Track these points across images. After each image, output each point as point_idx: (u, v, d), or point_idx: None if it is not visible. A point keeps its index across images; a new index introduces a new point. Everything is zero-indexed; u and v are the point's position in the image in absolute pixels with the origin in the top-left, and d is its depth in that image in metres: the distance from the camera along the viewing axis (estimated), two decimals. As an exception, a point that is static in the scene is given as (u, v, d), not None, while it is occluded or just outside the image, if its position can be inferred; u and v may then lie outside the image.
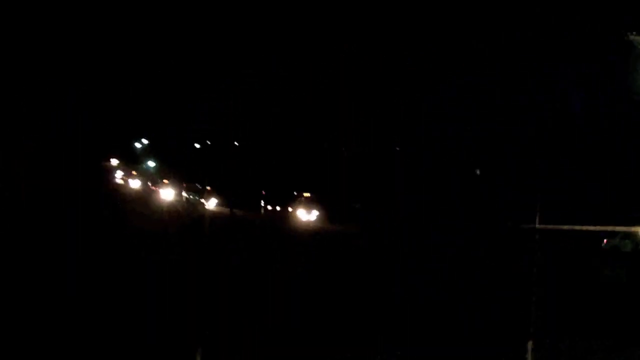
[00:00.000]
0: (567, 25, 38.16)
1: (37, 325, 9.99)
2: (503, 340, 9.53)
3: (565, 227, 9.30)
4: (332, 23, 54.74)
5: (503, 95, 43.85)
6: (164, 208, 51.95)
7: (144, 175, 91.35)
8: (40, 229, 24.53)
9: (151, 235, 25.23)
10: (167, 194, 69.27)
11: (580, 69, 36.73)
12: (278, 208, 61.09)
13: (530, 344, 8.00)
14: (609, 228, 11.18)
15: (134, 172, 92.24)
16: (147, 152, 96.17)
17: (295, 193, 56.82)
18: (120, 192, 66.27)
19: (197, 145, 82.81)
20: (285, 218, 54.08)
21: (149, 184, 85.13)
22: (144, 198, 64.14)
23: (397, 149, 51.37)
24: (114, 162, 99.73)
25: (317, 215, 52.01)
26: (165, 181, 75.88)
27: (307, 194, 55.56)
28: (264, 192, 63.74)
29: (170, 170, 77.69)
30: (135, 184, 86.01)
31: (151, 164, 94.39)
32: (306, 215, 52.18)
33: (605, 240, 26.89)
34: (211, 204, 63.06)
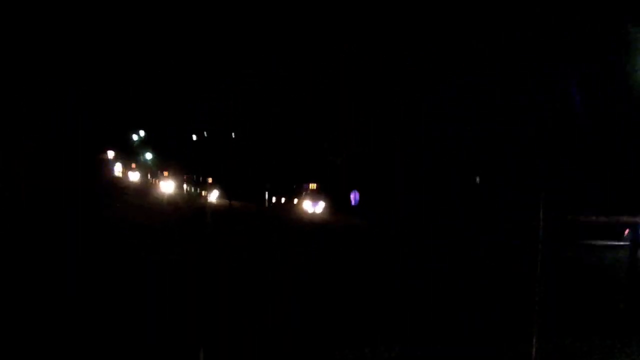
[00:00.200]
0: (567, 25, 38.17)
1: (37, 324, 10.00)
2: (507, 337, 9.54)
3: (569, 217, 9.28)
4: (332, 23, 54.77)
5: (503, 95, 43.88)
6: (164, 201, 51.52)
7: (143, 167, 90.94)
8: (39, 227, 24.54)
9: (151, 230, 25.20)
10: (167, 186, 68.52)
11: (581, 69, 36.74)
12: (283, 200, 60.26)
13: (534, 341, 8.01)
14: (612, 219, 11.17)
15: (133, 165, 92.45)
16: (145, 144, 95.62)
17: (301, 185, 55.72)
18: (119, 186, 65.93)
19: (194, 137, 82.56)
20: (290, 210, 53.38)
21: (149, 176, 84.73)
22: (144, 191, 63.92)
23: (397, 149, 51.36)
24: (111, 154, 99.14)
25: (323, 207, 51.29)
26: (165, 173, 75.47)
27: (313, 186, 54.60)
28: (267, 185, 63.03)
29: (170, 163, 77.07)
30: (134, 176, 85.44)
31: (150, 156, 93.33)
32: (312, 207, 51.50)
33: (627, 231, 26.56)
34: (213, 196, 62.89)
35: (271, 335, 9.88)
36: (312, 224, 37.97)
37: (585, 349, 9.40)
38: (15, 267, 15.30)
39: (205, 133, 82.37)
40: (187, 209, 44.60)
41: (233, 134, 76.19)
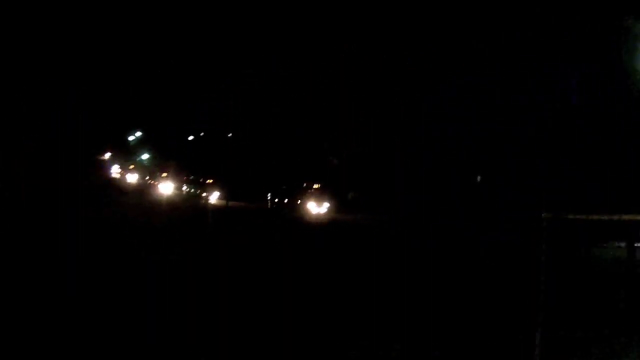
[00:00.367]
0: (567, 25, 38.15)
1: (36, 324, 9.99)
2: (511, 331, 9.57)
3: (571, 216, 9.26)
4: (332, 23, 54.75)
5: (503, 95, 43.86)
6: (164, 202, 50.85)
7: (141, 168, 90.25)
8: (39, 227, 24.54)
9: (151, 232, 25.09)
10: (166, 187, 68.16)
11: (580, 69, 36.74)
12: (286, 200, 59.45)
13: (538, 336, 8.03)
14: (615, 217, 11.19)
15: (131, 166, 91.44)
16: (142, 145, 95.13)
17: (304, 184, 55.01)
18: (117, 187, 65.55)
19: (191, 137, 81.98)
20: (293, 210, 52.80)
21: (147, 177, 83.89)
22: (143, 192, 63.42)
23: (397, 149, 51.31)
24: (107, 155, 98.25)
25: (328, 207, 50.59)
26: (164, 174, 74.50)
27: (317, 185, 53.92)
28: (270, 185, 62.46)
29: (169, 164, 76.52)
30: (132, 177, 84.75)
31: (148, 156, 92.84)
32: (316, 208, 50.83)
33: None
34: (213, 197, 62.55)
35: (272, 334, 9.88)
36: (317, 223, 37.98)
37: (586, 344, 9.47)
38: (15, 267, 15.30)
39: (201, 133, 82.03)
40: (187, 209, 44.24)
41: (230, 134, 75.88)
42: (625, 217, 8.48)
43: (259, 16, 66.29)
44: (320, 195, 52.15)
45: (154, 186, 72.96)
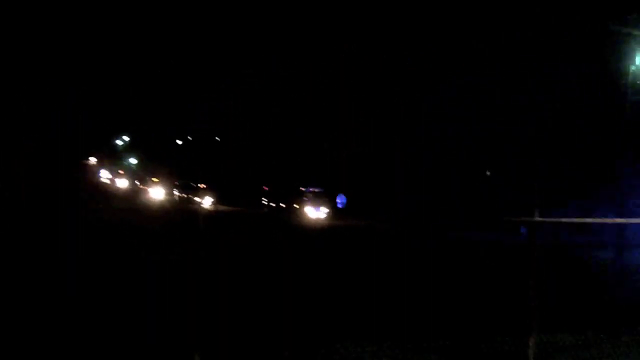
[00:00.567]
0: (567, 26, 38.18)
1: (36, 323, 10.01)
2: (504, 334, 9.59)
3: (564, 220, 9.35)
4: (332, 23, 54.80)
5: (503, 95, 43.90)
6: (155, 208, 49.31)
7: (131, 173, 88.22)
8: (37, 227, 24.54)
9: (142, 237, 24.73)
10: (157, 192, 66.34)
11: (580, 69, 36.76)
12: (283, 205, 57.26)
13: (532, 339, 8.05)
14: (608, 220, 11.33)
15: (120, 171, 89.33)
16: (130, 149, 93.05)
17: (301, 189, 52.40)
18: (107, 192, 64.49)
19: (188, 139, 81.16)
20: (290, 215, 51.23)
21: (137, 182, 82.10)
22: (133, 197, 62.32)
23: (397, 149, 51.27)
24: (93, 160, 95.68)
25: (327, 212, 49.05)
26: (155, 179, 73.13)
27: (315, 190, 52.10)
28: (266, 188, 60.59)
29: (159, 168, 75.21)
30: (122, 182, 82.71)
31: (137, 161, 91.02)
32: (314, 212, 49.43)
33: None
34: (206, 202, 61.74)
35: (271, 332, 9.89)
36: (314, 228, 37.67)
37: (579, 343, 9.52)
38: (14, 267, 15.31)
39: (189, 137, 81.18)
40: (178, 215, 43.10)
41: (218, 138, 75.22)
42: (618, 220, 8.51)
43: (259, 16, 66.34)
44: (321, 199, 50.81)
45: (144, 191, 70.92)
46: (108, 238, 23.02)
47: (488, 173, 42.67)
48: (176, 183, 70.23)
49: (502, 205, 36.89)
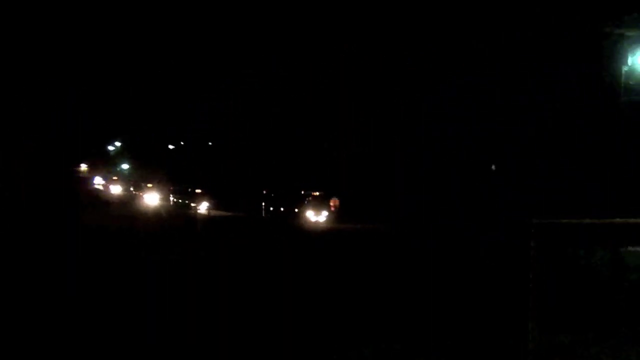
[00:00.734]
0: (567, 25, 38.16)
1: (36, 321, 10.01)
2: (503, 333, 9.64)
3: (564, 221, 9.42)
4: (332, 23, 54.77)
5: (503, 95, 43.87)
6: (150, 214, 48.75)
7: (125, 179, 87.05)
8: (34, 227, 24.57)
9: (137, 243, 24.39)
10: (151, 198, 65.44)
11: (581, 69, 36.74)
12: (282, 209, 56.63)
13: (530, 338, 8.11)
14: (607, 221, 11.38)
15: (114, 177, 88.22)
16: (123, 155, 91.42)
17: (302, 192, 52.16)
18: (101, 199, 63.76)
19: (171, 147, 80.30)
20: (290, 219, 50.73)
21: (131, 188, 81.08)
22: (128, 203, 61.68)
23: (397, 149, 51.21)
24: (84, 166, 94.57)
25: (327, 216, 48.91)
26: (149, 185, 72.06)
27: (316, 193, 51.83)
28: (265, 192, 59.69)
29: (154, 173, 74.05)
30: (116, 189, 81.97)
31: (131, 167, 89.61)
32: (314, 216, 49.13)
33: None
34: (202, 207, 60.57)
35: (271, 334, 9.89)
36: (315, 233, 37.52)
37: (578, 342, 9.62)
38: (13, 267, 15.34)
39: (181, 142, 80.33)
40: (174, 220, 42.53)
41: (210, 142, 74.72)
42: (617, 220, 8.53)
43: (259, 16, 66.32)
44: (322, 203, 50.53)
45: (139, 197, 69.62)
46: (105, 242, 23.02)
47: (493, 167, 42.56)
48: (171, 188, 69.65)
49: (503, 205, 36.88)
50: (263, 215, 57.56)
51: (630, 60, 17.31)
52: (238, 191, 65.29)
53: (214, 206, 61.01)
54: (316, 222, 47.89)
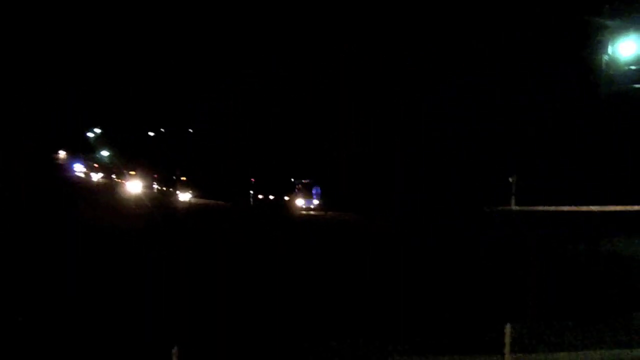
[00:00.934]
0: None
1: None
2: (481, 323, 9.76)
3: (540, 208, 9.62)
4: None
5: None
6: (132, 202, 47.63)
7: (106, 167, 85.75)
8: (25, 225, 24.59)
9: (117, 234, 24.01)
10: (134, 186, 63.54)
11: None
12: (271, 197, 56.30)
13: (508, 328, 8.19)
14: (583, 208, 11.54)
15: (95, 165, 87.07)
16: (104, 142, 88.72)
17: (292, 180, 51.74)
18: (83, 186, 62.39)
19: (151, 133, 78.57)
20: (278, 207, 50.76)
21: (113, 176, 79.99)
22: (110, 191, 60.29)
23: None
24: (63, 153, 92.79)
25: (317, 204, 49.08)
26: (132, 173, 70.57)
27: (305, 181, 51.59)
28: (253, 180, 58.41)
29: (137, 161, 72.44)
30: (97, 177, 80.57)
31: (111, 154, 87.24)
32: (305, 203, 49.19)
33: None
34: (186, 196, 59.84)
35: (264, 326, 9.90)
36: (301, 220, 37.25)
37: (555, 330, 9.77)
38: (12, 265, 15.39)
39: (160, 129, 78.25)
40: (158, 209, 41.78)
41: (190, 129, 73.52)
42: (594, 208, 8.55)
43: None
44: (309, 191, 50.31)
45: (121, 185, 68.16)
46: (91, 234, 22.94)
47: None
48: (156, 176, 68.83)
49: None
50: (251, 203, 56.88)
51: (610, 50, 17.34)
52: (225, 179, 64.79)
53: (199, 194, 60.41)
54: (306, 208, 47.94)
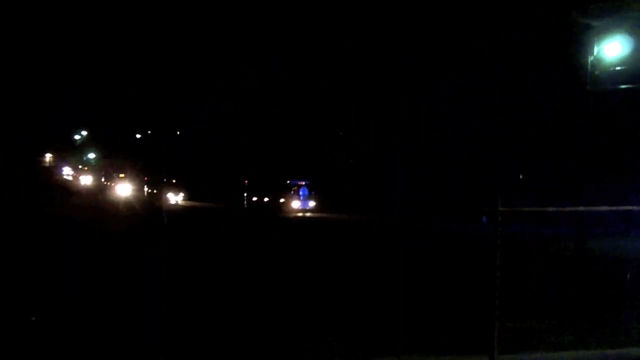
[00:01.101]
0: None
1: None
2: (467, 324, 9.70)
3: (526, 209, 9.55)
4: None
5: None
6: (122, 205, 46.72)
7: (94, 169, 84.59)
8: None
9: (108, 237, 23.82)
10: (124, 189, 62.53)
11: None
12: (266, 199, 55.29)
13: (496, 327, 8.11)
14: (569, 209, 11.53)
15: (84, 168, 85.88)
16: (90, 145, 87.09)
17: (288, 181, 51.14)
18: (71, 189, 61.39)
19: (138, 135, 77.75)
20: (273, 209, 50.05)
21: (103, 179, 79.32)
22: (100, 194, 59.44)
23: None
24: (49, 156, 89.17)
25: (314, 205, 48.78)
26: (122, 175, 69.86)
27: (302, 182, 51.22)
28: (246, 182, 57.61)
29: (126, 164, 71.20)
30: (86, 180, 79.25)
31: (98, 157, 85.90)
32: (301, 205, 48.82)
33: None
34: (178, 198, 59.80)
35: (260, 330, 9.86)
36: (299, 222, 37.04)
37: (544, 329, 9.84)
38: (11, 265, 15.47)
39: (148, 131, 77.19)
40: (147, 212, 41.24)
41: (178, 131, 73.16)
42: (581, 208, 8.43)
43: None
44: (309, 192, 49.98)
45: (111, 188, 67.36)
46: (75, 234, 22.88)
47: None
48: (146, 179, 68.30)
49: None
50: (245, 206, 56.28)
51: (596, 50, 17.22)
52: (217, 182, 63.96)
53: (191, 197, 60.03)
54: (302, 209, 47.76)
